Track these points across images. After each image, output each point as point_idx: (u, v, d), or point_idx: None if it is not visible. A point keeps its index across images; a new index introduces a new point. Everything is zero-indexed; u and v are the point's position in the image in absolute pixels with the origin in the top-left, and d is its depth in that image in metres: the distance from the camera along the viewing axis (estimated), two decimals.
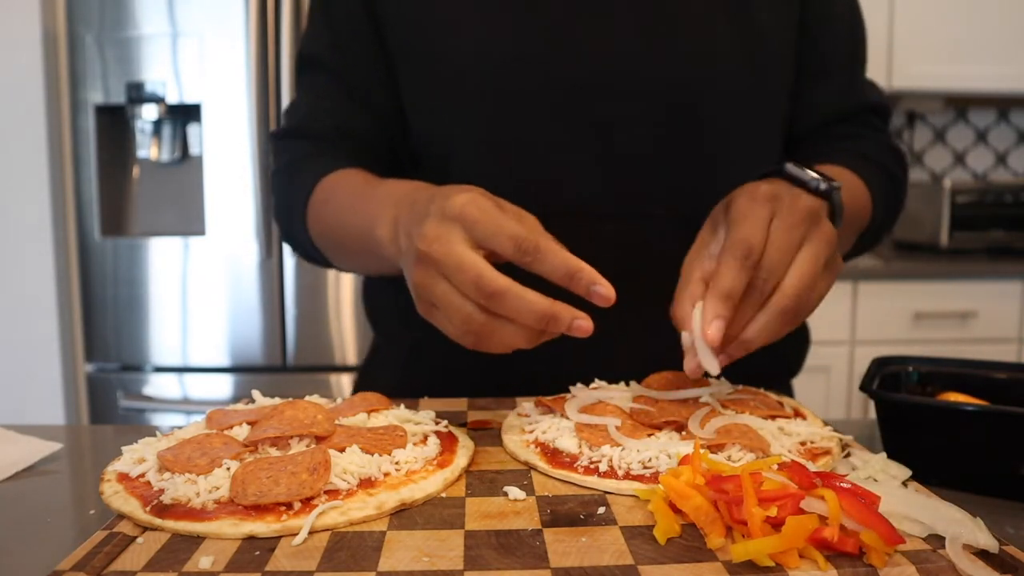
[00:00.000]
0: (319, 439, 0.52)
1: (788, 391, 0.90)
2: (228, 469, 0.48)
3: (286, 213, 0.84)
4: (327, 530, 0.43)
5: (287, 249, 2.09)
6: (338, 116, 0.83)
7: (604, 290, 0.52)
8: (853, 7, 0.88)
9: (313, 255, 0.85)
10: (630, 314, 0.66)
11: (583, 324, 0.52)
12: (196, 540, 0.42)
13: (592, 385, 0.66)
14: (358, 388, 0.93)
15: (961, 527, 0.42)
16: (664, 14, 0.75)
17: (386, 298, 0.90)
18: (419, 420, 0.58)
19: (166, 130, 2.16)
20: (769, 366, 0.74)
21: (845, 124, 0.87)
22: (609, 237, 0.75)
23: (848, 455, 0.56)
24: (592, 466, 0.52)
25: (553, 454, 0.54)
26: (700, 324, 0.56)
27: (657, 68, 0.75)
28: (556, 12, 0.75)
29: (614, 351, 0.71)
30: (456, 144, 0.78)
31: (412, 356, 0.87)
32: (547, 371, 0.69)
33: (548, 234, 0.55)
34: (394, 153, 0.85)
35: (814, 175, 0.62)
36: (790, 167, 0.63)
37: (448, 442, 0.56)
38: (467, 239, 0.52)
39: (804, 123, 0.85)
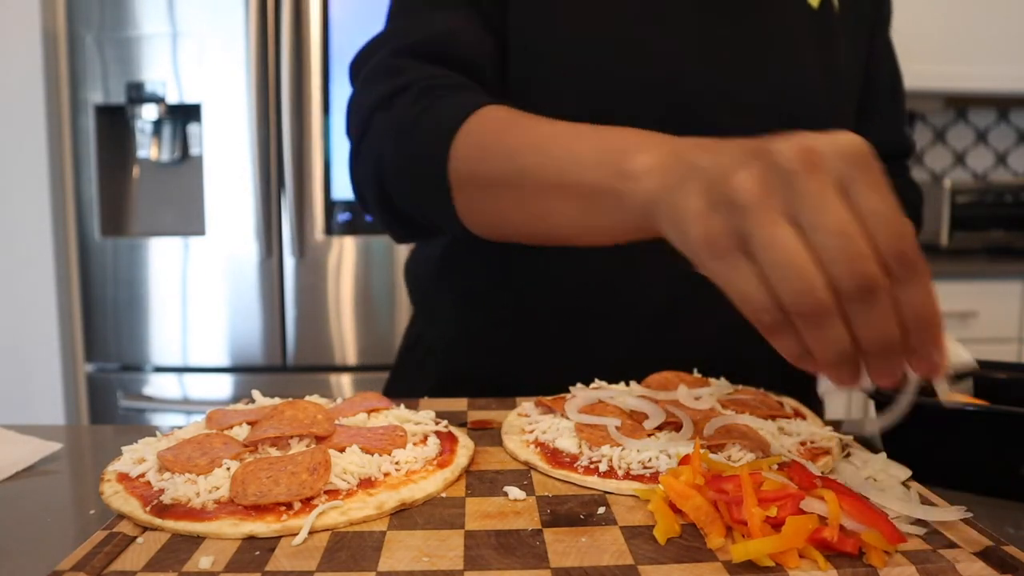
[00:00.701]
0: (319, 439, 0.52)
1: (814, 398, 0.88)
2: (228, 469, 0.48)
3: (405, 142, 0.66)
4: (327, 530, 0.43)
5: (287, 249, 2.09)
6: (481, 45, 0.71)
7: (938, 359, 0.42)
8: (891, 47, 0.91)
9: (424, 208, 0.67)
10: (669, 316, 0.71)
11: (899, 373, 0.42)
12: (196, 540, 0.42)
13: (592, 385, 0.66)
14: (395, 385, 0.91)
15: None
16: (754, 33, 0.76)
17: (435, 280, 0.84)
18: (419, 420, 0.58)
19: (166, 130, 2.16)
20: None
21: (889, 163, 0.91)
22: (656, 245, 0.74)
23: (848, 455, 0.56)
24: (592, 466, 0.52)
25: (553, 454, 0.54)
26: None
27: (752, 81, 0.74)
28: (662, 14, 0.74)
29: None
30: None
31: (457, 342, 0.83)
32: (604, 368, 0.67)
33: None
34: None
35: None
36: None
37: (448, 442, 0.56)
38: (843, 193, 0.39)
39: None
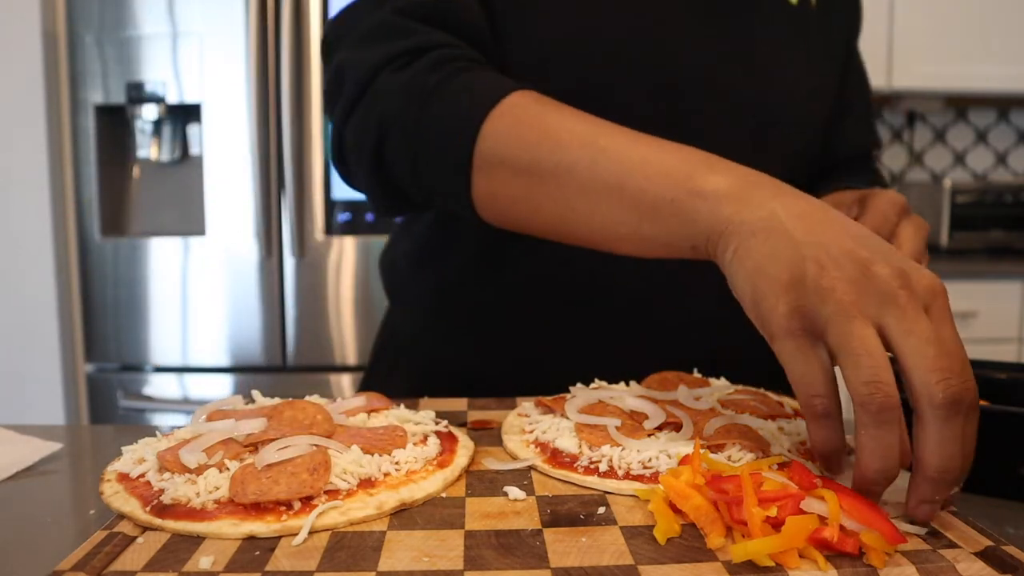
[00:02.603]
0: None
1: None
2: (228, 469, 0.48)
3: (428, 105, 0.61)
4: (327, 530, 0.43)
5: (287, 249, 2.09)
6: (483, 14, 0.69)
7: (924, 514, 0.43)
8: (859, 53, 0.94)
9: (425, 180, 0.63)
10: (657, 305, 0.74)
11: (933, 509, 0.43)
12: (196, 540, 0.42)
13: (592, 385, 0.66)
14: (371, 371, 0.92)
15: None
16: (738, 28, 0.76)
17: (412, 274, 0.85)
18: (419, 420, 0.58)
19: (166, 130, 2.16)
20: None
21: (862, 160, 0.94)
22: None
23: (850, 453, 0.56)
24: (592, 466, 0.52)
25: (553, 454, 0.54)
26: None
27: (737, 75, 0.75)
28: (649, 13, 0.74)
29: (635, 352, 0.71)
30: None
31: (430, 334, 0.84)
32: (559, 370, 0.69)
33: None
34: None
35: None
36: None
37: (448, 442, 0.56)
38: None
39: (826, 157, 0.90)
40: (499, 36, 0.70)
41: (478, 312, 0.81)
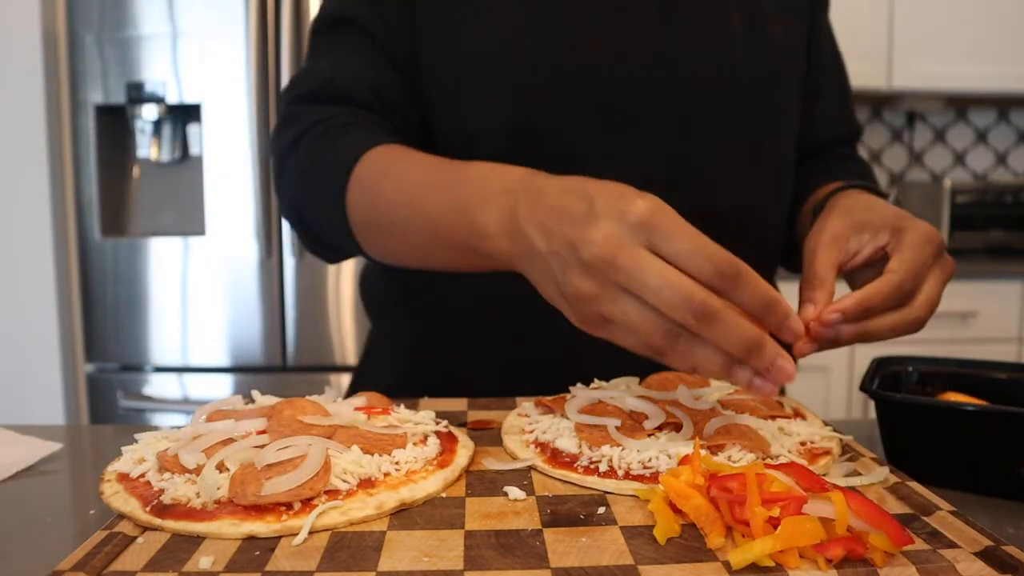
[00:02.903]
0: None
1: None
2: (228, 469, 0.48)
3: (310, 187, 0.73)
4: (327, 530, 0.43)
5: (287, 249, 2.09)
6: (375, 79, 0.75)
7: (795, 325, 0.50)
8: (831, 33, 0.93)
9: (336, 243, 0.74)
10: None
11: (786, 366, 0.48)
12: (196, 540, 0.42)
13: (592, 385, 0.66)
14: (355, 387, 0.93)
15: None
16: (681, 15, 0.76)
17: (386, 287, 0.87)
18: (419, 420, 0.58)
19: (166, 130, 2.16)
20: None
21: (846, 145, 0.93)
22: None
23: (852, 458, 0.56)
24: (592, 466, 0.52)
25: (553, 454, 0.54)
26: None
27: (677, 65, 0.75)
28: (576, 7, 0.74)
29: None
30: (478, 130, 0.76)
31: (411, 350, 0.86)
32: (554, 371, 0.69)
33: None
34: (427, 132, 0.79)
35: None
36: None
37: (448, 442, 0.56)
38: (651, 250, 0.47)
39: (804, 141, 0.88)
40: (431, 75, 0.76)
41: (456, 319, 0.81)
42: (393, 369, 0.88)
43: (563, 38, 0.74)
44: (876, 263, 0.64)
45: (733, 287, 0.47)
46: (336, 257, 0.81)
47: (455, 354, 0.82)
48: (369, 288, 0.93)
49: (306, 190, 0.73)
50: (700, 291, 0.45)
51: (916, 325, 0.64)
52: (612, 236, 0.47)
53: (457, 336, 0.82)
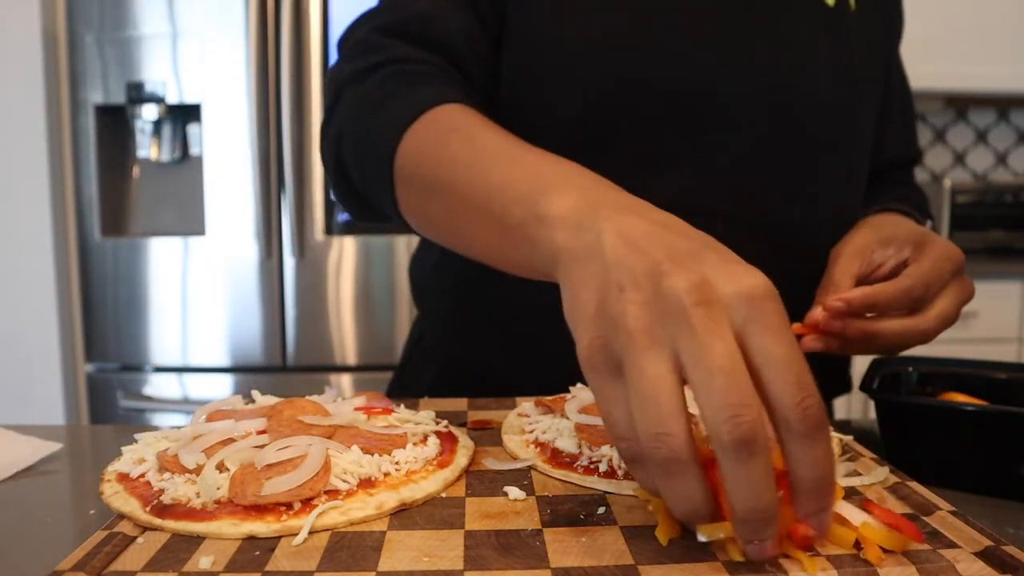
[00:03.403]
0: None
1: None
2: (228, 469, 0.48)
3: (365, 123, 0.65)
4: (327, 530, 0.43)
5: (287, 249, 2.09)
6: (473, 32, 0.70)
7: (827, 524, 0.39)
8: (900, 59, 0.93)
9: (373, 194, 0.66)
10: None
11: (769, 550, 0.38)
12: (196, 540, 0.42)
13: None
14: (398, 382, 0.92)
15: None
16: (771, 33, 0.75)
17: (439, 272, 0.84)
18: (419, 420, 0.58)
19: (166, 130, 2.16)
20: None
21: (900, 171, 0.93)
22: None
23: (852, 458, 0.56)
24: (592, 466, 0.52)
25: (553, 454, 0.54)
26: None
27: (763, 81, 0.73)
28: (676, 8, 0.73)
29: None
30: (544, 118, 0.73)
31: (461, 340, 0.83)
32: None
33: None
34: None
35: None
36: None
37: (448, 442, 0.56)
38: (739, 337, 0.37)
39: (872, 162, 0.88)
40: (517, 46, 0.71)
41: (500, 311, 0.80)
42: (437, 358, 0.86)
43: (657, 38, 0.72)
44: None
45: (809, 435, 0.36)
46: (366, 214, 0.72)
47: (492, 349, 0.81)
48: (415, 276, 0.90)
49: (358, 125, 0.65)
50: (760, 414, 0.35)
51: (924, 336, 0.64)
52: (708, 290, 0.37)
53: (494, 330, 0.81)
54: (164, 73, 2.07)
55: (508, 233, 0.49)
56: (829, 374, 0.88)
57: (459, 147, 0.56)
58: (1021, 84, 2.52)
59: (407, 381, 0.90)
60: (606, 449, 0.53)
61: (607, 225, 0.41)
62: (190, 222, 2.15)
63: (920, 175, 2.88)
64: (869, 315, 0.64)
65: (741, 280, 0.37)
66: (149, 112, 2.09)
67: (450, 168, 0.56)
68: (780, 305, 0.37)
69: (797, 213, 0.76)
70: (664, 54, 0.72)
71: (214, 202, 2.09)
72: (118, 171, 2.21)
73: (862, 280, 0.67)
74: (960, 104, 2.86)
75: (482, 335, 0.82)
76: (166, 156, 2.17)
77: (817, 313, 0.62)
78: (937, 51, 2.47)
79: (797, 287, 0.77)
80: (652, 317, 0.37)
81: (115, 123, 2.16)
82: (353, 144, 0.66)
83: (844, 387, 0.89)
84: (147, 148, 2.17)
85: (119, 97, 2.08)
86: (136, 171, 2.24)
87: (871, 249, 0.67)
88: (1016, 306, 2.31)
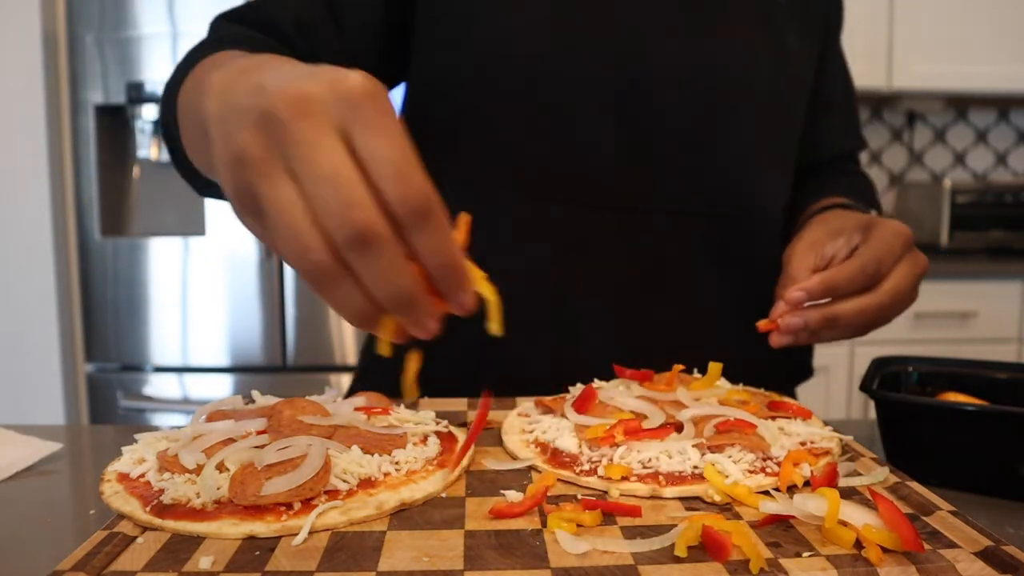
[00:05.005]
0: None
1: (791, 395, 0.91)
2: (228, 469, 0.48)
3: (167, 88, 0.67)
4: (327, 530, 0.43)
5: None
6: (304, 16, 0.74)
7: (468, 301, 0.41)
8: (842, 53, 0.96)
9: (179, 150, 0.64)
10: (630, 305, 0.76)
11: (431, 326, 0.40)
12: (196, 540, 0.42)
13: (593, 385, 0.66)
14: (357, 384, 0.92)
15: None
16: (705, 21, 0.76)
17: None
18: (419, 420, 0.58)
19: None
20: (769, 371, 0.75)
21: (845, 160, 0.96)
22: (614, 229, 0.75)
23: (852, 458, 0.56)
24: (592, 466, 0.52)
25: (553, 454, 0.54)
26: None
27: (698, 68, 0.75)
28: (594, 5, 0.75)
29: (613, 348, 0.71)
30: (479, 104, 0.76)
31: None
32: (559, 370, 0.68)
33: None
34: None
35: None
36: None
37: (448, 442, 0.56)
38: (346, 140, 0.37)
39: (811, 155, 0.91)
40: (444, 42, 0.76)
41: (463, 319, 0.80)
42: (397, 367, 0.86)
43: (585, 29, 0.74)
44: None
45: (416, 225, 0.37)
46: (194, 180, 0.73)
47: (462, 356, 0.81)
48: None
49: (166, 89, 0.67)
50: (371, 210, 0.36)
51: (881, 310, 0.66)
52: (305, 97, 0.36)
53: (461, 333, 0.81)
54: (164, 73, 2.06)
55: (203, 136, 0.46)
56: (793, 361, 0.89)
57: (207, 73, 0.53)
58: (1021, 84, 2.52)
59: (368, 384, 0.89)
60: (606, 449, 0.53)
61: (237, 81, 0.41)
62: (190, 222, 2.15)
63: (920, 175, 2.89)
64: (826, 300, 0.66)
65: (339, 85, 0.37)
66: (149, 112, 2.09)
67: (198, 100, 0.50)
68: (380, 102, 0.37)
69: (734, 202, 0.78)
70: (595, 43, 0.74)
71: (214, 202, 2.09)
72: (118, 171, 2.21)
73: (816, 272, 0.68)
74: (960, 104, 2.86)
75: (440, 344, 0.82)
76: (166, 156, 2.17)
77: (780, 307, 0.65)
78: (937, 51, 2.47)
79: (742, 275, 0.79)
80: (265, 144, 0.37)
81: (115, 123, 2.16)
82: (163, 105, 0.68)
83: (806, 373, 0.92)
84: (147, 148, 2.17)
85: (119, 97, 2.08)
86: (136, 171, 2.24)
87: (823, 243, 0.69)
88: (1016, 306, 2.31)
